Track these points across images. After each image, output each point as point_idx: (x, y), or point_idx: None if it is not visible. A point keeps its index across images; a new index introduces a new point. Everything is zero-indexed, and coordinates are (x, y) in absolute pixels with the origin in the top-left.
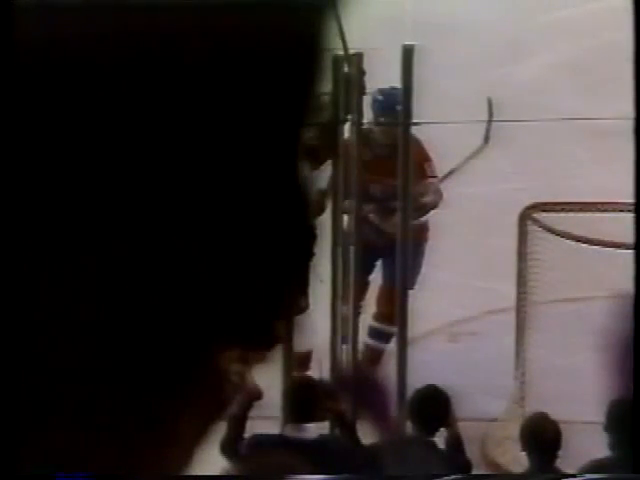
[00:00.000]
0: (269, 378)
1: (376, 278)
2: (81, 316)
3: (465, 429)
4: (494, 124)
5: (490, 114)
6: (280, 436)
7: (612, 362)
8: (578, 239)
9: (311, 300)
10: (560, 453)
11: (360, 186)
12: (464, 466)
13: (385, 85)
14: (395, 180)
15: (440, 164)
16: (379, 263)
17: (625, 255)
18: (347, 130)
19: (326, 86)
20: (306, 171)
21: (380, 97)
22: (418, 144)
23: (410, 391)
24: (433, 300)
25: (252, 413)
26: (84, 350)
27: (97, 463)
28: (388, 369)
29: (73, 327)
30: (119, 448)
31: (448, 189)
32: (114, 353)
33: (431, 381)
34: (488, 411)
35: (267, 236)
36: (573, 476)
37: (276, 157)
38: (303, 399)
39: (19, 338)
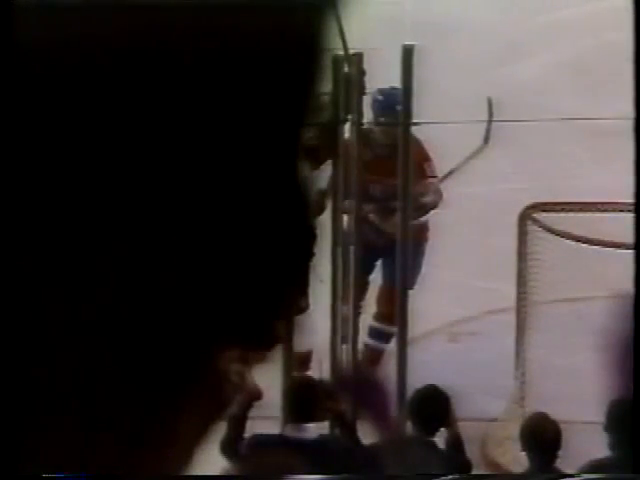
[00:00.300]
0: (269, 378)
1: (376, 278)
2: (81, 315)
3: (465, 429)
4: (494, 124)
5: (490, 114)
6: (280, 436)
7: (612, 362)
8: (578, 239)
9: (311, 300)
10: (560, 453)
11: (360, 186)
12: (464, 466)
13: (385, 85)
14: (395, 180)
15: (440, 164)
16: (379, 263)
17: (625, 255)
18: (347, 130)
19: (326, 86)
20: (306, 171)
21: (380, 97)
22: (418, 144)
23: (410, 391)
24: (433, 300)
25: (252, 413)
26: (84, 349)
27: (97, 463)
28: (388, 369)
29: (73, 326)
30: (119, 448)
31: (448, 189)
32: (114, 352)
33: (431, 381)
34: (488, 411)
35: (267, 236)
36: (573, 476)
37: (276, 157)
38: (303, 399)
39: (19, 338)
